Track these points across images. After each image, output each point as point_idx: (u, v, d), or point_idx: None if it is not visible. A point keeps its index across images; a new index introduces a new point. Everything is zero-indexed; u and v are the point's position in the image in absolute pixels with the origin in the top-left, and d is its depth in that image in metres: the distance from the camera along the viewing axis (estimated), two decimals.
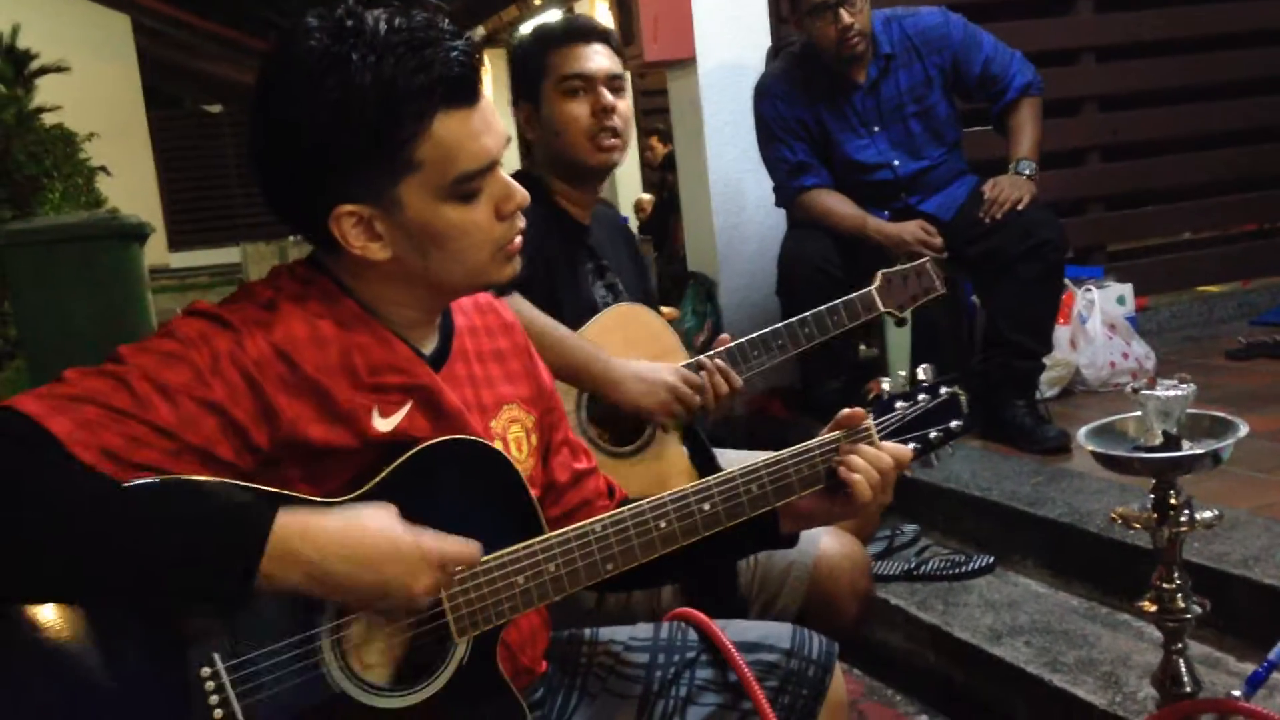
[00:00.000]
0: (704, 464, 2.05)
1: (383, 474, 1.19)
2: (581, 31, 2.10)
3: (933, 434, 1.39)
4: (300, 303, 1.22)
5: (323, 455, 1.19)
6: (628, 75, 2.18)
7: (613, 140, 2.08)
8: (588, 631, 1.49)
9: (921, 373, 1.42)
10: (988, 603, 2.49)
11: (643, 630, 1.48)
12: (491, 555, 1.21)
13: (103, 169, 6.71)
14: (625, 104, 2.11)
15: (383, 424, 1.22)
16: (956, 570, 2.65)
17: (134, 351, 1.13)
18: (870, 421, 1.36)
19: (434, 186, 1.20)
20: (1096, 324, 3.51)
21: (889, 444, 1.34)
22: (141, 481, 1.08)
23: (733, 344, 2.11)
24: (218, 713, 1.10)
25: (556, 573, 1.23)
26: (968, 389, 1.45)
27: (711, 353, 2.07)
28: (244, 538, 1.06)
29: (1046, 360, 3.18)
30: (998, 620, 2.39)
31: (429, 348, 1.32)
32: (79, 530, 1.02)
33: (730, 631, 1.43)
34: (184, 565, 1.05)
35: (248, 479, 1.14)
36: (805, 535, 1.76)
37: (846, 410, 1.36)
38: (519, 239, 1.28)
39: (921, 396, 1.39)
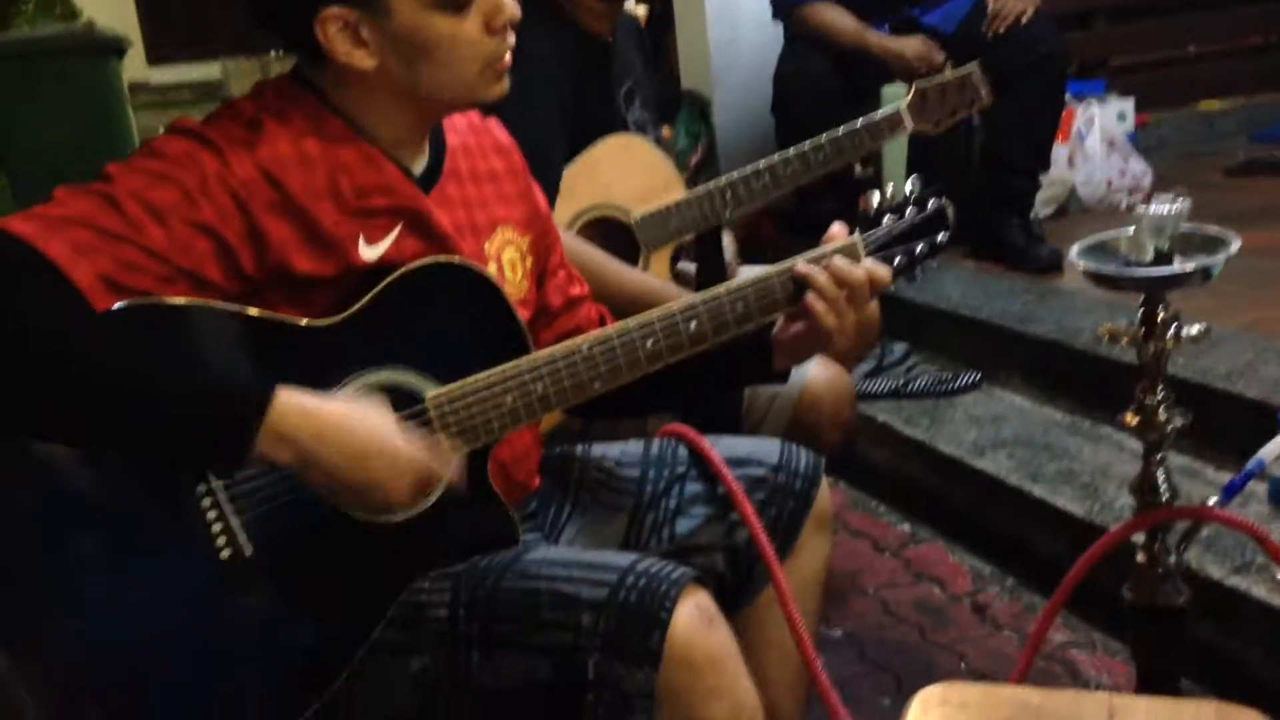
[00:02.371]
0: (714, 279, 2.02)
1: (367, 297, 1.19)
2: None
3: (918, 247, 1.37)
4: (285, 120, 1.19)
5: (308, 283, 1.18)
6: None
7: None
8: (579, 448, 1.52)
9: (910, 186, 1.39)
10: (972, 418, 2.54)
11: (634, 446, 1.51)
12: (480, 374, 1.22)
13: None
14: None
15: (369, 252, 1.21)
16: (943, 387, 2.69)
17: (122, 171, 1.12)
18: (857, 237, 1.34)
19: None
20: (1095, 141, 3.46)
21: (867, 261, 1.32)
22: (147, 307, 1.08)
23: (735, 174, 1.98)
24: (216, 526, 1.13)
25: (544, 391, 1.24)
26: (961, 207, 1.43)
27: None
28: (243, 415, 1.06)
29: (1043, 178, 3.15)
30: (981, 435, 2.44)
31: (419, 167, 1.29)
32: (79, 368, 1.03)
33: (719, 447, 1.45)
34: (181, 431, 1.07)
35: (236, 301, 1.14)
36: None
37: (833, 228, 1.35)
38: (508, 56, 1.24)
39: (909, 210, 1.37)
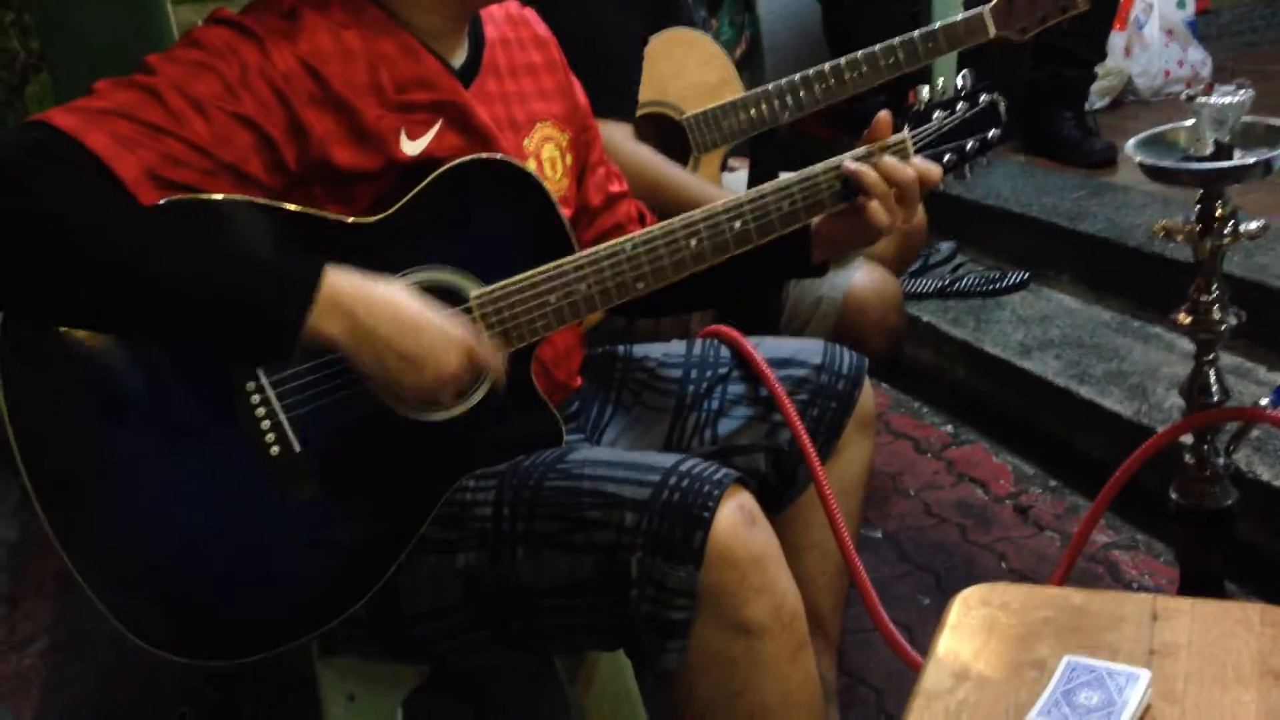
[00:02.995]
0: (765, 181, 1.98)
1: (411, 194, 1.18)
2: None
3: (969, 144, 1.34)
4: (323, 10, 1.17)
5: (350, 177, 1.17)
6: None
7: None
8: (621, 348, 1.52)
9: (960, 80, 1.35)
10: (1020, 318, 2.51)
11: (676, 347, 1.50)
12: (523, 274, 1.21)
13: None
14: None
15: (411, 147, 1.20)
16: (991, 286, 2.65)
17: (162, 61, 1.11)
18: (906, 133, 1.31)
19: None
20: (1154, 29, 3.35)
21: (918, 160, 1.29)
22: (190, 202, 1.08)
23: (797, 76, 1.89)
24: (265, 424, 1.14)
25: (588, 291, 1.23)
26: (1013, 100, 1.39)
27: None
28: (296, 289, 1.06)
29: (1099, 69, 3.06)
30: (1029, 335, 2.41)
31: (458, 60, 1.27)
32: (123, 257, 1.03)
33: (762, 348, 1.45)
34: (230, 313, 1.06)
35: (278, 198, 1.14)
36: (838, 269, 1.75)
37: (878, 119, 1.31)
38: None
39: (959, 105, 1.33)
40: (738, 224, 1.27)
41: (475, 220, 1.23)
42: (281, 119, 1.12)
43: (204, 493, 1.14)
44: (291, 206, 1.14)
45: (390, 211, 1.18)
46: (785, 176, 1.30)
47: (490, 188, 1.23)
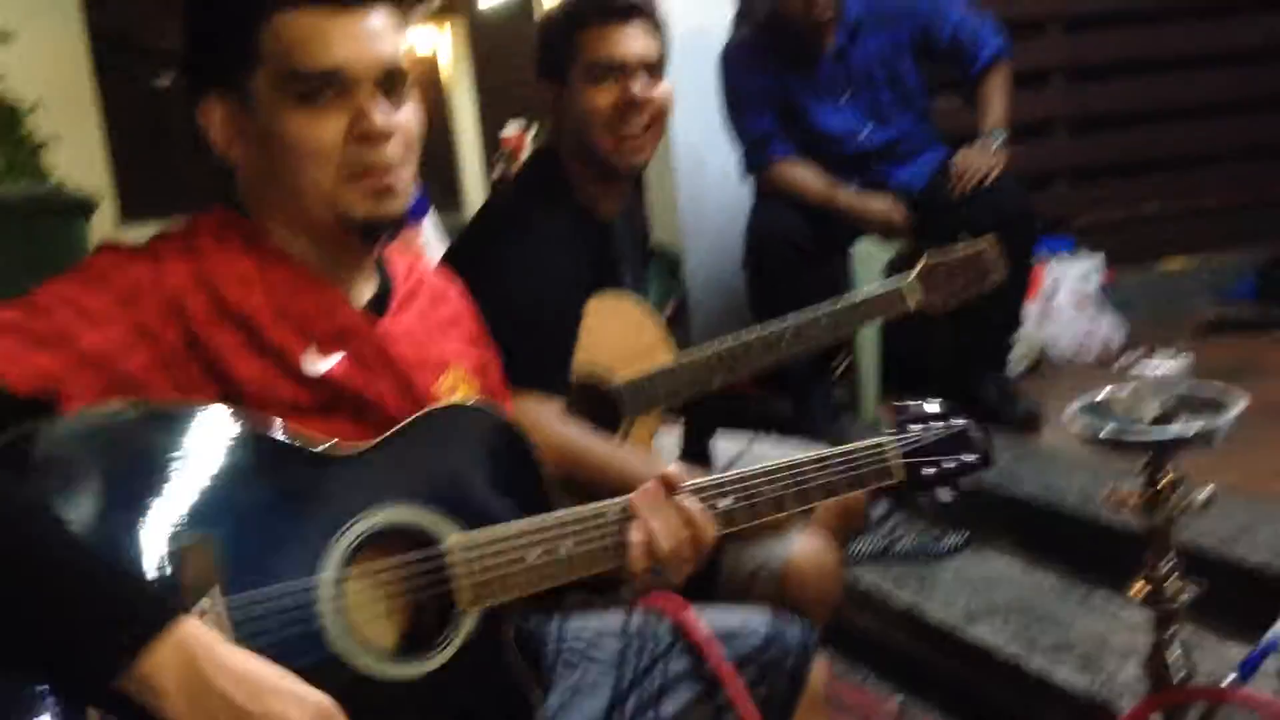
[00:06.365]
0: (697, 450, 1.96)
1: (385, 435, 1.16)
2: (617, 9, 1.84)
3: (948, 463, 1.47)
4: (220, 242, 1.17)
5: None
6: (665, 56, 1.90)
7: (637, 138, 1.85)
8: (554, 624, 1.42)
9: (937, 406, 1.48)
10: (963, 581, 2.45)
11: (612, 620, 1.41)
12: (506, 524, 1.17)
13: (48, 141, 6.50)
14: (660, 91, 1.86)
15: (313, 366, 1.17)
16: (930, 549, 2.60)
17: (52, 282, 1.09)
18: (885, 438, 1.41)
19: (274, 78, 1.16)
20: (1064, 298, 3.49)
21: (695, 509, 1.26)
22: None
23: (726, 342, 1.90)
24: None
25: (568, 553, 1.19)
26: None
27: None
28: (146, 612, 0.95)
29: (1015, 336, 3.15)
30: (973, 600, 2.35)
31: (363, 296, 1.27)
32: None
33: (705, 617, 1.37)
34: (68, 621, 0.93)
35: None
36: (777, 539, 1.72)
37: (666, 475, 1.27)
38: (391, 176, 1.19)
39: (937, 425, 1.46)
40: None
41: (454, 465, 1.20)
42: (175, 332, 1.10)
43: None
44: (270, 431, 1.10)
45: (368, 447, 1.14)
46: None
47: (473, 435, 1.22)
